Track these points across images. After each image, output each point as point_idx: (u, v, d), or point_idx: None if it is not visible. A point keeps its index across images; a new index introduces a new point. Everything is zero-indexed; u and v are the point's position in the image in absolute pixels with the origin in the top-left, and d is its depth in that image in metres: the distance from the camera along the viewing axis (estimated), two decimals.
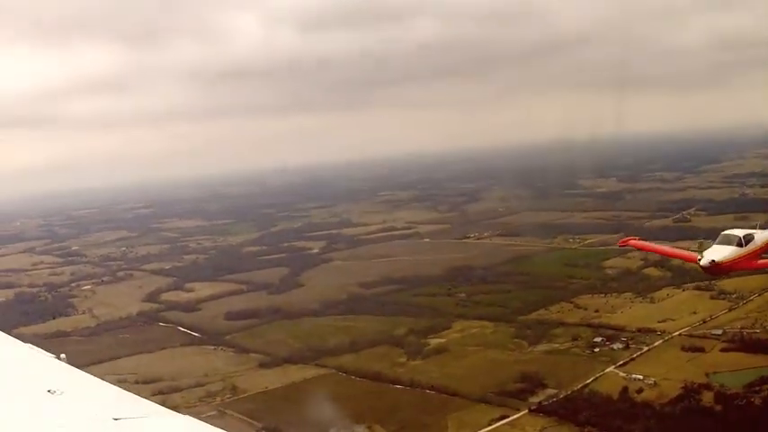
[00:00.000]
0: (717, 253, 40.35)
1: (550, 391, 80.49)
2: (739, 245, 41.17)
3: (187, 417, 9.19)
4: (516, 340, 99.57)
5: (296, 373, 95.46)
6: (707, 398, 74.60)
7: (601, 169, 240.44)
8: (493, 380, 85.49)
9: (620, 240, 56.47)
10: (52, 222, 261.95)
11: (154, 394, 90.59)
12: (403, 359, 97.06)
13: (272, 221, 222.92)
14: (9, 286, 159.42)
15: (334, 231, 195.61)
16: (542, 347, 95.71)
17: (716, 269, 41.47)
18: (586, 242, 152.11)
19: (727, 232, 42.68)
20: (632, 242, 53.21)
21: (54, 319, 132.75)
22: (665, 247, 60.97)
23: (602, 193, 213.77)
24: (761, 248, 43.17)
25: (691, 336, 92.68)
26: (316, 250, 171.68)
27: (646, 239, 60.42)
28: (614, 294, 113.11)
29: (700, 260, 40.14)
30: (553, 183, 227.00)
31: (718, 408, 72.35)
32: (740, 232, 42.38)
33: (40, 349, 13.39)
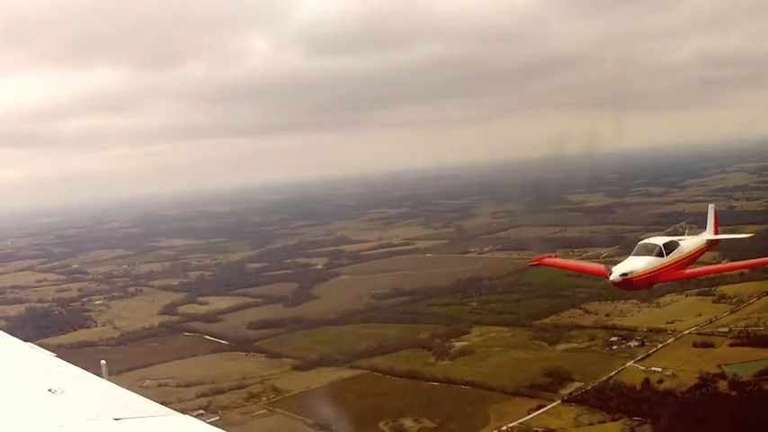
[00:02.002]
0: (630, 265, 37.80)
1: (578, 384, 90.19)
2: (659, 255, 38.50)
3: (187, 417, 9.47)
4: (536, 341, 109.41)
5: (332, 375, 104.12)
6: (722, 385, 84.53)
7: (588, 184, 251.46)
8: (522, 375, 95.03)
9: (532, 260, 51.89)
10: (44, 241, 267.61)
11: (198, 396, 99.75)
12: (432, 360, 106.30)
13: (266, 239, 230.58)
14: (19, 302, 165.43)
15: (332, 248, 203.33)
16: (562, 347, 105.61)
17: (630, 284, 38.79)
18: (586, 255, 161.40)
19: (645, 241, 40.41)
20: (546, 260, 49.55)
21: (75, 330, 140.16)
22: (578, 263, 62.97)
23: (591, 208, 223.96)
24: (688, 257, 40.66)
25: (700, 334, 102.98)
26: (320, 266, 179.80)
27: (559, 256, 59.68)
28: (621, 301, 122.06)
29: (610, 275, 37.67)
30: (542, 198, 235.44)
31: (734, 393, 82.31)
32: (661, 240, 40.05)
33: (40, 348, 13.76)
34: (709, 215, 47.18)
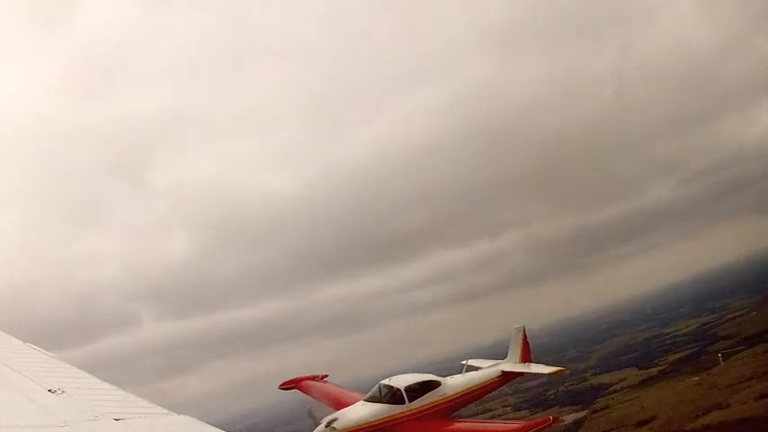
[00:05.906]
0: (344, 417, 26.75)
1: None
2: (399, 402, 27.89)
3: (186, 416, 9.82)
4: None
5: None
6: None
7: None
8: None
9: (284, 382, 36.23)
10: None
11: None
12: None
13: None
14: None
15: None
16: None
17: None
18: None
19: (383, 381, 29.09)
20: (302, 384, 34.99)
21: None
22: (337, 394, 35.39)
23: None
24: (459, 398, 30.15)
25: None
26: None
27: None
28: None
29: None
30: None
31: None
32: (403, 382, 28.57)
33: (40, 349, 14.46)
34: (513, 339, 35.33)
